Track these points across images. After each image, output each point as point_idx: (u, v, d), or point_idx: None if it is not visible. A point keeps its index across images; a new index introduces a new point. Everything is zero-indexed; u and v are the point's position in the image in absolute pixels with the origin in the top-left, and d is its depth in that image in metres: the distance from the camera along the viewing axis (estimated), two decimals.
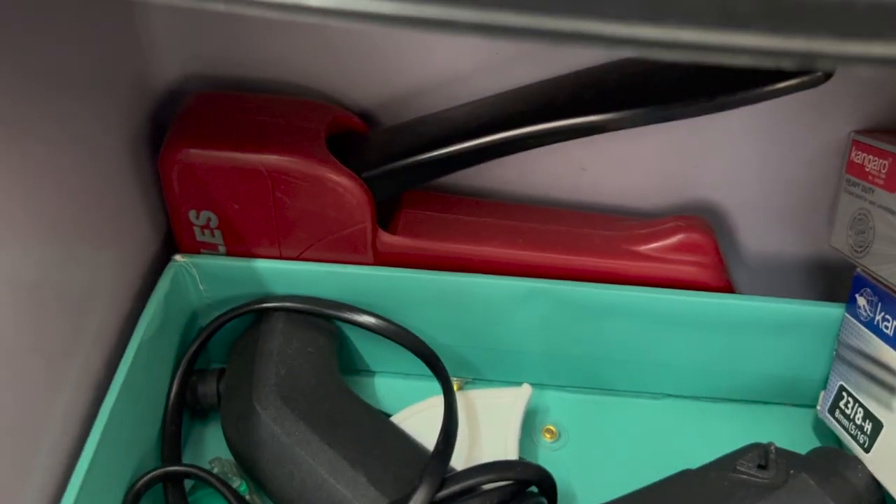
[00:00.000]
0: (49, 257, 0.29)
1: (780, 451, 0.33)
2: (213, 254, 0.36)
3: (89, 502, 0.29)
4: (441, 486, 0.30)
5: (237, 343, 0.37)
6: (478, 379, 0.41)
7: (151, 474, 0.32)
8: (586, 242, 0.37)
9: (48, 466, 0.29)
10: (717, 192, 0.40)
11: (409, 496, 0.30)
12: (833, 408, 0.36)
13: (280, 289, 0.37)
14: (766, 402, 0.40)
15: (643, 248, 0.37)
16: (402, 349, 0.38)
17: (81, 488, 0.29)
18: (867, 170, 0.35)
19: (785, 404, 0.40)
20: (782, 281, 0.42)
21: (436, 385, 0.35)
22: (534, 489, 0.33)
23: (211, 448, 0.37)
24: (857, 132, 0.37)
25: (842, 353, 0.35)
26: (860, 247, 0.34)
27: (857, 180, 0.35)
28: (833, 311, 0.36)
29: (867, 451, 0.33)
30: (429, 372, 0.36)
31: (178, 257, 0.36)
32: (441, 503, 0.30)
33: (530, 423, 0.39)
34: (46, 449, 0.29)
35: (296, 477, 0.32)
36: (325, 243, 0.35)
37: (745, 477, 0.32)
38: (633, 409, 0.40)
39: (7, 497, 0.26)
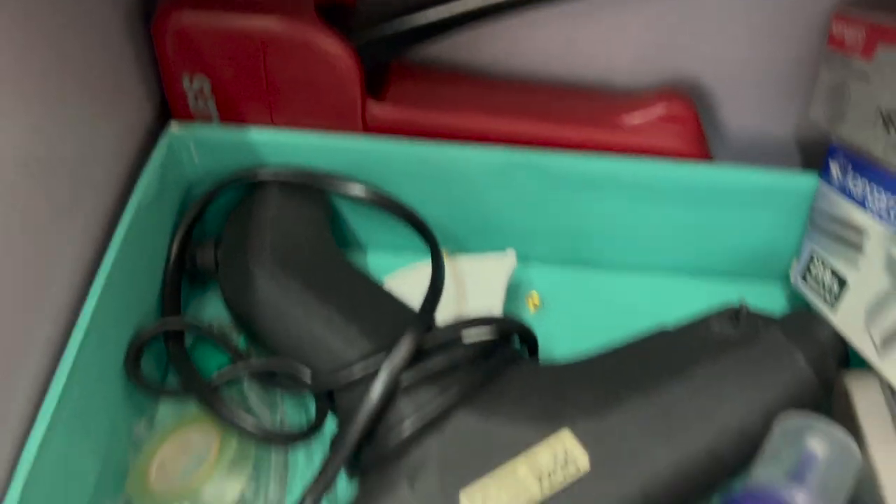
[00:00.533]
0: (47, 127, 0.30)
1: (751, 311, 0.35)
2: (207, 124, 0.37)
3: (93, 353, 0.31)
4: (427, 335, 0.32)
5: (232, 213, 0.38)
6: (464, 252, 0.42)
7: (153, 328, 0.34)
8: (570, 114, 0.38)
9: (54, 317, 0.30)
10: (700, 68, 0.41)
11: (396, 343, 0.31)
12: (804, 273, 0.37)
13: (273, 159, 0.38)
14: (743, 276, 0.42)
15: (625, 119, 0.38)
16: (392, 223, 0.40)
17: (84, 339, 0.30)
18: (846, 42, 0.35)
19: (761, 277, 0.42)
20: (763, 158, 0.43)
21: (425, 258, 0.36)
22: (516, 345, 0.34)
23: (210, 314, 0.39)
24: (841, 8, 0.37)
25: (814, 220, 0.37)
26: (836, 116, 0.36)
27: (836, 54, 0.36)
28: (808, 180, 0.37)
29: (833, 309, 0.35)
30: (418, 246, 0.38)
31: (173, 126, 0.37)
32: (427, 352, 0.32)
33: (515, 293, 0.41)
34: (54, 298, 0.30)
35: (292, 332, 0.34)
36: (315, 112, 0.36)
37: (717, 333, 0.34)
38: (614, 282, 0.42)
39: (15, 345, 0.28)
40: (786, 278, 0.41)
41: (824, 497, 0.28)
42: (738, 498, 0.28)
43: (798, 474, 0.29)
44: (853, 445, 0.29)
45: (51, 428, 0.28)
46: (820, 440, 0.30)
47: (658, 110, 0.37)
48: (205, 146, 0.37)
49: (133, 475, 0.32)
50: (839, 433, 0.29)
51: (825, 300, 0.35)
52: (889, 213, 0.31)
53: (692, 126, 0.38)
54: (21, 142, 0.28)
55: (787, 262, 0.40)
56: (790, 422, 0.30)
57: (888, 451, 0.30)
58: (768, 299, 0.41)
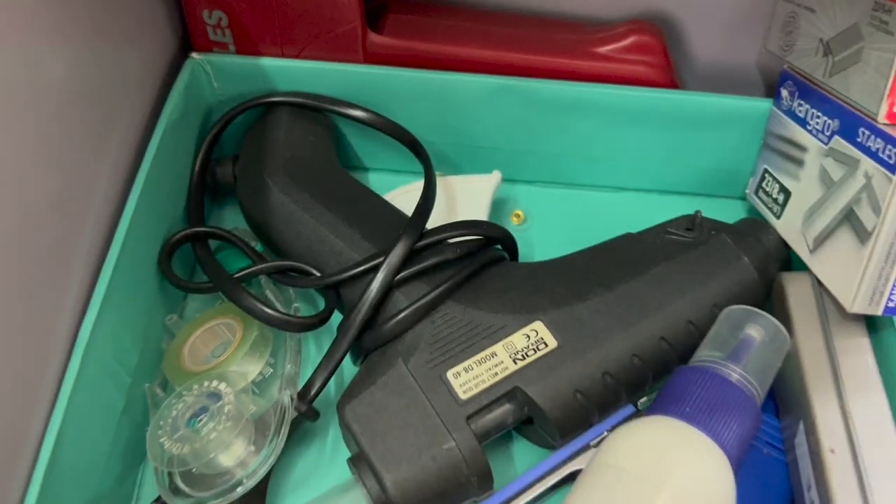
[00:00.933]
0: (84, 58, 0.33)
1: (705, 219, 0.39)
2: (224, 52, 0.41)
3: (131, 254, 0.36)
4: (420, 238, 0.37)
5: (247, 134, 0.43)
6: (457, 173, 0.47)
7: (181, 233, 0.39)
8: (551, 44, 0.42)
9: (98, 224, 0.35)
10: (670, 2, 0.44)
11: (393, 246, 0.36)
12: (758, 189, 0.42)
13: (283, 86, 0.42)
14: (707, 194, 0.46)
15: (600, 49, 0.42)
16: (391, 146, 0.44)
17: (124, 242, 0.35)
18: None
19: (723, 195, 0.46)
20: (729, 87, 0.47)
21: (420, 178, 0.41)
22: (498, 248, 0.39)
23: (229, 224, 0.44)
24: None
25: (767, 141, 0.41)
26: (787, 46, 0.39)
27: None
28: (763, 105, 0.41)
29: (779, 218, 0.39)
30: (414, 168, 0.42)
31: (194, 55, 0.41)
32: (420, 251, 0.37)
33: (501, 210, 0.46)
34: (97, 208, 0.35)
35: (302, 235, 0.38)
36: (320, 43, 0.40)
37: (674, 237, 0.39)
38: (591, 200, 0.47)
39: (69, 247, 0.33)
40: (745, 196, 0.45)
41: (755, 374, 0.33)
42: (682, 372, 0.33)
43: (735, 355, 0.34)
44: (784, 332, 0.34)
45: (100, 314, 0.33)
46: (756, 327, 0.34)
47: (629, 41, 0.41)
48: (223, 74, 0.42)
49: (168, 358, 0.37)
50: (774, 322, 0.34)
51: (772, 211, 0.40)
52: (825, 131, 0.35)
53: (660, 55, 0.42)
54: (63, 71, 0.32)
55: (746, 181, 0.44)
56: (732, 311, 0.35)
57: (812, 337, 0.35)
58: (729, 214, 0.46)
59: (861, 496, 0.29)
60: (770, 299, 0.39)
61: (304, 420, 0.36)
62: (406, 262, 0.36)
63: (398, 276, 0.36)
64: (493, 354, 0.35)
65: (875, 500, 0.29)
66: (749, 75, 0.47)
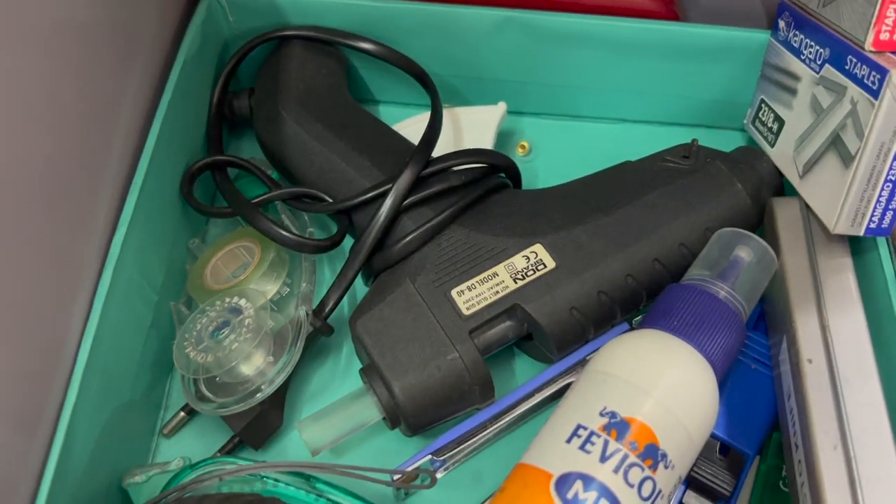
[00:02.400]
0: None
1: (702, 147, 0.41)
2: None
3: (155, 181, 0.38)
4: (426, 166, 0.39)
5: (262, 67, 0.44)
6: (464, 105, 0.48)
7: (202, 161, 0.41)
8: None
9: (124, 151, 0.37)
10: None
11: (401, 172, 0.38)
12: (755, 119, 0.43)
13: (296, 20, 0.44)
14: (707, 126, 0.48)
15: None
16: (400, 79, 0.46)
17: (148, 169, 0.37)
18: None
19: (723, 126, 0.48)
20: (733, 20, 0.48)
21: (428, 110, 0.42)
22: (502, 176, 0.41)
23: (246, 154, 0.46)
24: None
25: (764, 72, 0.42)
26: None
27: None
28: (761, 36, 0.42)
29: (773, 146, 0.41)
30: (424, 101, 0.44)
31: None
32: (426, 178, 0.39)
33: (507, 141, 0.47)
34: (122, 137, 0.37)
35: (315, 163, 0.40)
36: None
37: (671, 165, 0.40)
38: (594, 132, 0.48)
39: (98, 173, 0.35)
40: (744, 127, 0.47)
41: (742, 292, 0.35)
42: (672, 289, 0.35)
43: (724, 274, 0.36)
44: (772, 254, 0.36)
45: (127, 236, 0.35)
46: (746, 248, 0.36)
47: None
48: (238, 9, 0.43)
49: (191, 278, 0.40)
50: (762, 243, 0.36)
51: (767, 140, 0.41)
52: (817, 60, 0.37)
53: None
54: (86, 8, 0.34)
55: (745, 112, 0.45)
56: (723, 234, 0.37)
57: (797, 257, 0.36)
58: (728, 144, 0.47)
59: (834, 401, 0.31)
60: (763, 223, 0.40)
61: (319, 335, 0.38)
62: (413, 188, 0.38)
63: (406, 202, 0.38)
64: (495, 274, 0.37)
65: (847, 404, 0.31)
66: (753, 7, 0.48)
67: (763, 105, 0.42)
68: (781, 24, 0.40)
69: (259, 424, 0.37)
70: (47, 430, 0.31)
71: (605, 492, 0.29)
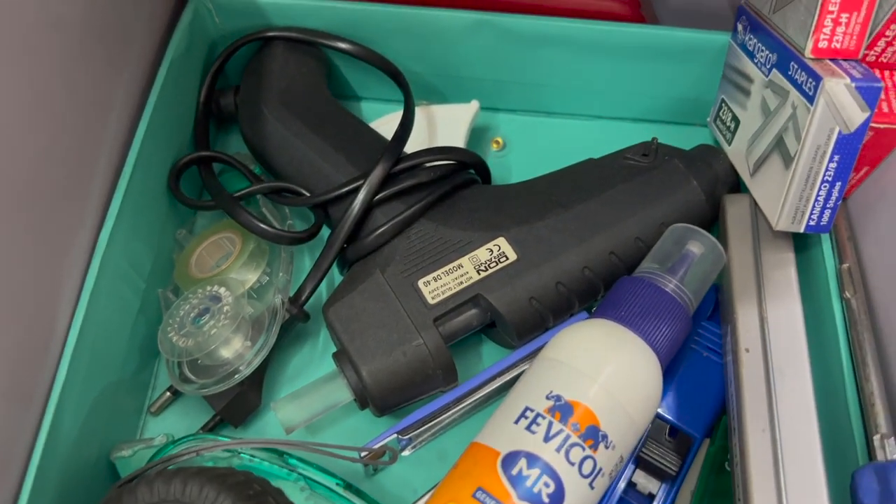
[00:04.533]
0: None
1: (662, 145, 0.43)
2: None
3: (143, 174, 0.40)
4: (397, 162, 0.41)
5: (247, 66, 0.47)
6: (441, 103, 0.50)
7: (188, 157, 0.43)
8: None
9: (112, 146, 0.40)
10: None
11: (373, 168, 0.40)
12: (716, 117, 0.45)
13: (279, 21, 0.46)
14: (675, 122, 0.50)
15: None
16: (378, 78, 0.48)
17: (136, 163, 0.39)
18: None
19: (689, 124, 0.49)
20: (700, 20, 0.50)
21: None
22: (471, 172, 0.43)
23: (232, 150, 0.48)
24: None
25: (725, 73, 0.44)
26: None
27: None
28: (723, 38, 0.44)
29: (730, 144, 0.43)
30: (399, 98, 0.46)
31: None
32: (397, 174, 0.41)
33: (482, 136, 0.50)
34: (111, 132, 0.39)
35: (294, 160, 0.43)
36: None
37: (631, 162, 0.42)
38: (566, 128, 0.50)
39: (86, 168, 0.37)
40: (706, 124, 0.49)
41: (690, 285, 0.37)
42: (623, 281, 0.38)
43: (673, 268, 0.38)
44: (721, 249, 0.38)
45: (115, 227, 0.38)
46: (696, 243, 0.38)
47: None
48: (224, 11, 0.46)
49: (178, 267, 0.43)
50: (712, 239, 0.38)
51: (726, 138, 0.43)
52: (766, 64, 0.38)
53: None
54: (77, 8, 0.36)
55: (709, 111, 0.47)
56: (675, 229, 0.39)
57: (743, 251, 0.38)
58: (695, 139, 0.49)
59: (766, 388, 0.33)
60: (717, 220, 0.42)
61: (296, 321, 0.41)
62: (385, 183, 0.41)
63: (377, 196, 0.40)
64: (460, 266, 0.39)
65: (777, 391, 0.33)
66: (721, 9, 0.49)
67: (723, 104, 0.44)
68: (739, 27, 0.42)
69: (238, 404, 0.40)
70: (39, 403, 0.34)
71: (548, 469, 0.32)
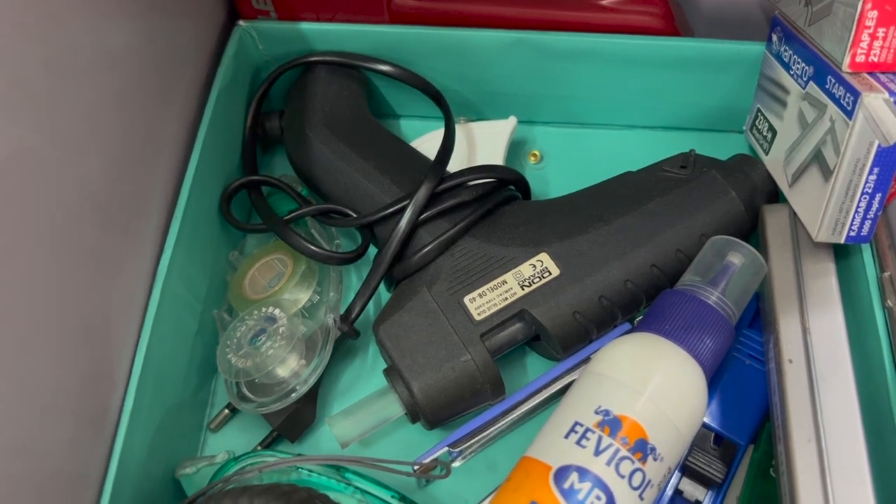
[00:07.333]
0: (147, 29, 0.39)
1: (699, 156, 0.44)
2: (267, 19, 0.47)
3: (198, 200, 0.42)
4: (441, 182, 0.42)
5: (291, 91, 0.48)
6: (479, 118, 0.51)
7: (237, 182, 0.45)
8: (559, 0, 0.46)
9: (168, 173, 0.41)
10: None
11: (417, 189, 0.42)
12: (752, 126, 0.46)
13: (320, 46, 0.47)
14: (710, 130, 0.50)
15: (604, 1, 0.45)
16: (417, 96, 0.49)
17: (191, 189, 0.41)
18: None
19: (724, 131, 0.50)
20: (737, 32, 0.50)
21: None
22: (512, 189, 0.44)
23: (278, 172, 0.50)
24: None
25: (760, 83, 0.45)
26: None
27: None
28: (758, 49, 0.44)
29: (767, 154, 0.43)
30: (439, 115, 0.47)
31: (241, 22, 0.46)
32: (441, 194, 0.42)
33: (519, 150, 0.51)
34: (166, 160, 0.41)
35: (340, 182, 0.44)
36: (351, 7, 0.45)
37: (669, 174, 0.43)
38: (602, 138, 0.51)
39: (146, 194, 0.39)
40: (742, 130, 0.49)
41: (732, 297, 0.38)
42: (665, 294, 0.38)
43: (715, 280, 0.39)
44: (761, 260, 0.39)
45: (173, 255, 0.39)
46: (737, 255, 0.39)
47: None
48: (267, 38, 0.47)
49: (231, 288, 0.44)
50: (752, 250, 0.39)
51: (762, 148, 0.44)
52: (803, 76, 0.39)
53: (661, 5, 0.45)
54: (126, 42, 0.37)
55: (744, 116, 0.48)
56: (716, 241, 0.40)
57: (784, 261, 0.39)
58: (731, 147, 0.49)
59: (810, 398, 0.34)
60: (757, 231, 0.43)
61: (346, 338, 0.42)
62: (429, 203, 0.42)
63: (422, 216, 0.42)
64: (504, 282, 0.40)
65: (822, 401, 0.34)
66: (754, 16, 0.50)
67: (759, 114, 0.44)
68: (774, 37, 0.42)
69: (294, 420, 0.41)
70: (110, 427, 0.36)
71: (599, 482, 0.33)
